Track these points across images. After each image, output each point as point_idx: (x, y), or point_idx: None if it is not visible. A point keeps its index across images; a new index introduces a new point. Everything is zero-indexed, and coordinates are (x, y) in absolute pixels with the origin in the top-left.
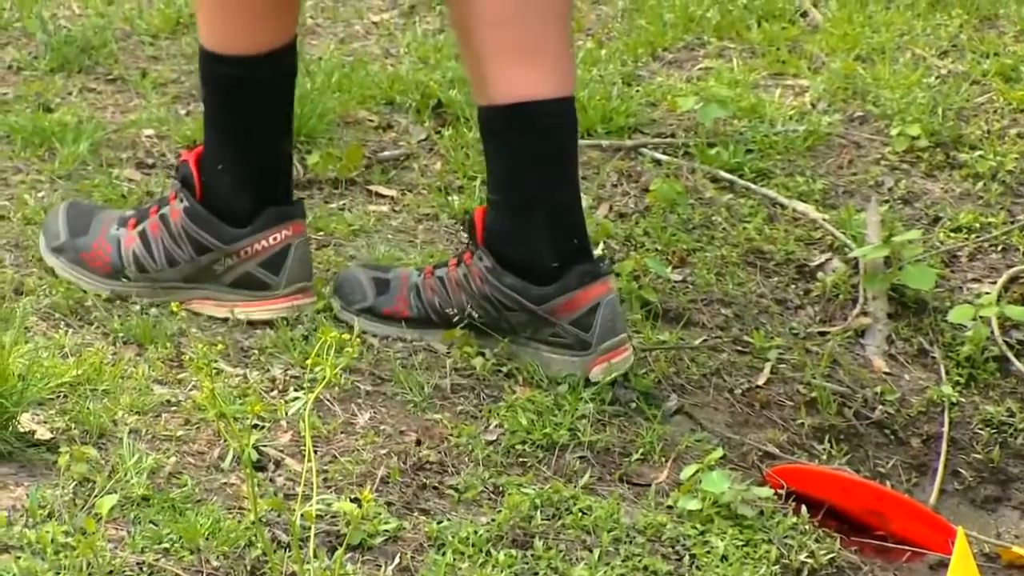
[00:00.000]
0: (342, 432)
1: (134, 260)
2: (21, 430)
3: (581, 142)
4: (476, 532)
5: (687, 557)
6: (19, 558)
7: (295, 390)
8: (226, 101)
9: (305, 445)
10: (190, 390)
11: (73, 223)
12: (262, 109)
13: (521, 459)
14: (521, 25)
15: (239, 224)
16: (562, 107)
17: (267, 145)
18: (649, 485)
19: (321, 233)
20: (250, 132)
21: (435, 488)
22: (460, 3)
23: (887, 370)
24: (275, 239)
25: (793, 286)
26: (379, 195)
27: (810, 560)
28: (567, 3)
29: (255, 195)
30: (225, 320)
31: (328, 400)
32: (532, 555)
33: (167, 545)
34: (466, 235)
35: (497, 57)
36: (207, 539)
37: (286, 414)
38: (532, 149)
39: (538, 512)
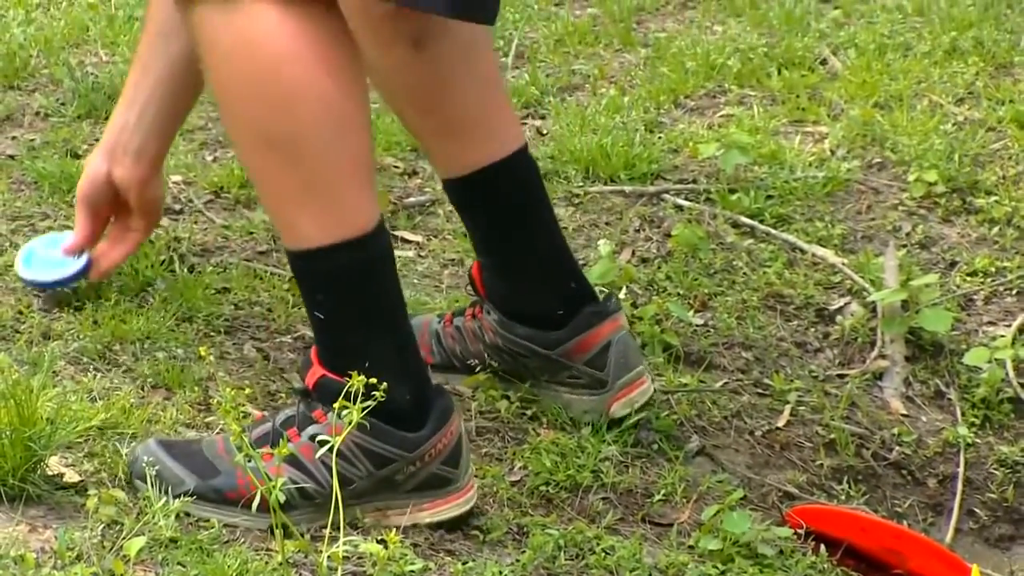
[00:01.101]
0: None
1: (298, 491)
2: (49, 473)
3: (604, 188)
4: (501, 572)
5: None
6: None
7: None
8: (357, 291)
9: (332, 487)
10: (217, 433)
11: (189, 464)
12: (391, 285)
13: (545, 500)
14: (446, 110)
15: (411, 426)
16: (515, 162)
17: (404, 324)
18: (671, 525)
19: None
20: (390, 319)
21: (460, 529)
22: (387, 96)
23: (904, 412)
24: (451, 433)
25: (812, 329)
26: (405, 240)
27: None
28: (489, 67)
29: (416, 388)
30: (252, 364)
31: None
32: None
33: None
34: (471, 289)
35: (437, 139)
36: None
37: (315, 456)
38: (501, 208)
39: (562, 552)
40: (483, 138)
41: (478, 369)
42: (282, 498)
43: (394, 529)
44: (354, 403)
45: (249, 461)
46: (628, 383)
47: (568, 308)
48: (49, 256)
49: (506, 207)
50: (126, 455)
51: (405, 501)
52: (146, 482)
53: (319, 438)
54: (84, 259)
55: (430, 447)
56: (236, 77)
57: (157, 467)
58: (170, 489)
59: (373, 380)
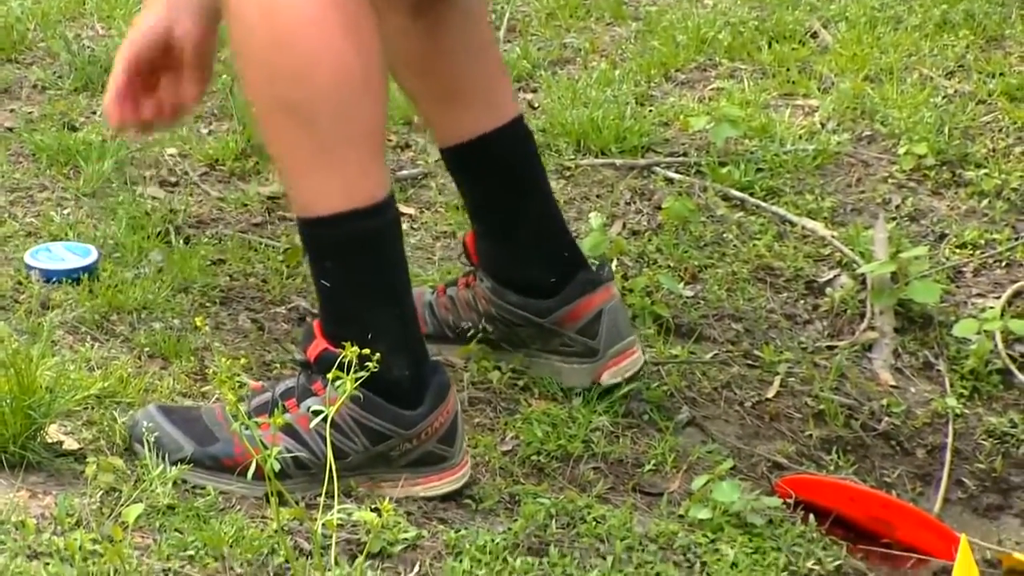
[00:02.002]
0: None
1: (293, 460)
2: (49, 440)
3: (595, 161)
4: (493, 540)
5: (698, 564)
6: (48, 564)
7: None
8: (362, 261)
9: (326, 456)
10: (213, 403)
11: (188, 430)
12: (398, 257)
13: (537, 469)
14: (444, 79)
15: (408, 403)
16: (511, 131)
17: (408, 298)
18: (661, 495)
19: None
20: (393, 290)
21: (453, 498)
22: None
23: (893, 383)
24: (448, 411)
25: (802, 301)
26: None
27: (817, 567)
28: (486, 36)
29: (415, 362)
30: (247, 335)
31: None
32: (548, 562)
33: (192, 552)
34: (465, 259)
35: (435, 106)
36: (231, 547)
37: (310, 428)
38: (498, 177)
39: (553, 521)
40: (480, 106)
41: (471, 334)
42: (277, 467)
43: (387, 498)
44: (348, 374)
45: (246, 430)
46: (619, 352)
47: (560, 276)
48: (59, 254)
49: (501, 175)
50: (126, 421)
51: (399, 475)
52: (144, 447)
53: (313, 408)
54: (93, 256)
55: (427, 425)
56: (258, 43)
57: (156, 433)
58: (168, 455)
59: (367, 351)
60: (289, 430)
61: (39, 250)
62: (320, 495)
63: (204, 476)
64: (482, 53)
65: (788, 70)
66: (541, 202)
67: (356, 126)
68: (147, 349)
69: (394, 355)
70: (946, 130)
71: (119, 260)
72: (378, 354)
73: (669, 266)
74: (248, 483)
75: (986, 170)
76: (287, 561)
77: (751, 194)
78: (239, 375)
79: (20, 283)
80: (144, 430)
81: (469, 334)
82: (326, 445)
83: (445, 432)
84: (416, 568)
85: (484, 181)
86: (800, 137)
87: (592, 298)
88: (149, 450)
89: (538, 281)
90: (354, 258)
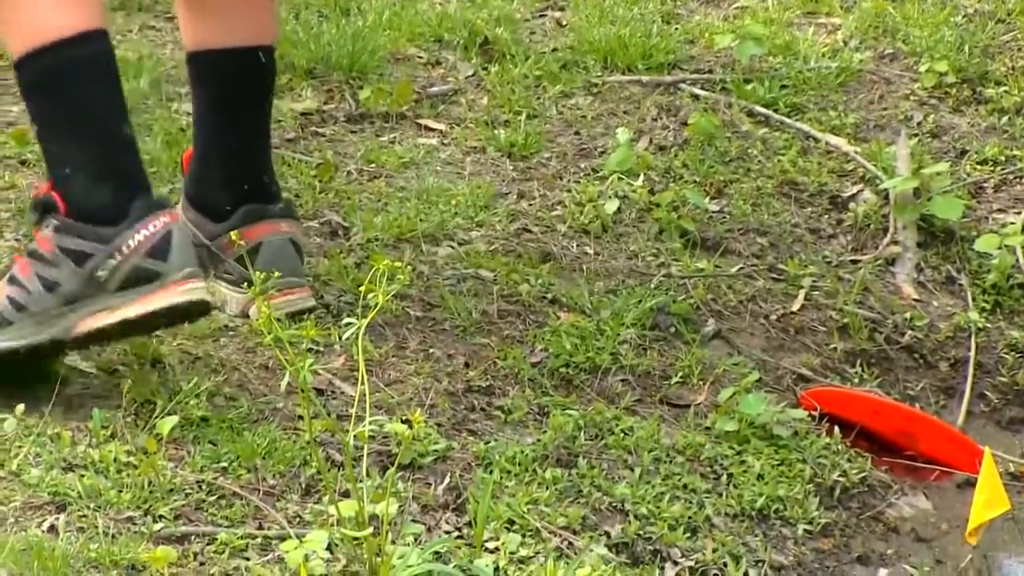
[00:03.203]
0: (393, 356)
1: (9, 303)
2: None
3: (622, 77)
4: (522, 452)
5: (724, 476)
6: (83, 476)
7: (348, 316)
8: (52, 98)
9: (358, 369)
10: (246, 316)
11: None
12: (96, 90)
13: (565, 381)
14: None
15: (113, 224)
16: (242, 55)
17: (115, 128)
18: (688, 407)
19: (373, 165)
20: (87, 121)
21: (483, 410)
22: None
23: (916, 297)
24: (155, 226)
25: (826, 216)
26: (428, 129)
27: (842, 478)
28: None
29: (117, 187)
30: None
31: (380, 326)
32: (576, 474)
33: (225, 464)
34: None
35: (180, 8)
36: (264, 458)
37: (340, 339)
38: (208, 96)
39: (582, 433)
40: (216, 20)
41: None
42: (311, 379)
43: (419, 410)
44: (42, 215)
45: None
46: (278, 288)
47: (234, 204)
48: None
49: (213, 94)
50: None
51: (118, 300)
52: None
53: (28, 249)
54: None
55: (127, 238)
56: None
57: None
58: None
59: (53, 193)
60: (12, 279)
61: None
62: (45, 343)
63: None
64: None
65: None
66: (240, 132)
67: None
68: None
69: (91, 182)
70: (966, 48)
71: (155, 175)
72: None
73: (695, 181)
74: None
75: (1006, 87)
76: (319, 472)
77: (775, 110)
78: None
79: None
80: None
81: None
82: (45, 288)
83: (154, 247)
84: (446, 479)
85: (199, 95)
86: (823, 55)
87: (252, 229)
88: None
89: (215, 205)
90: (44, 96)
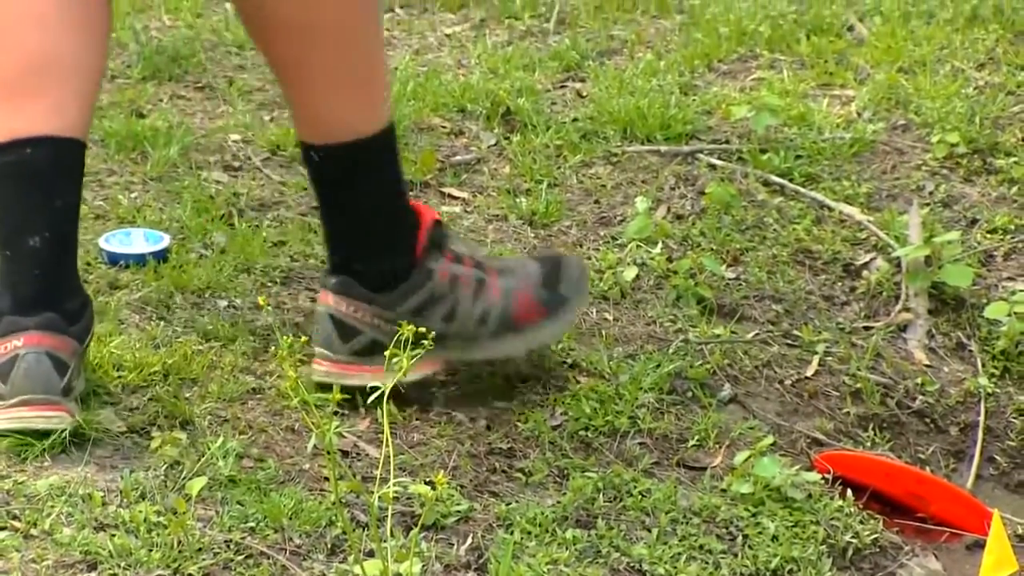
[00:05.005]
0: (417, 419)
1: None
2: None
3: (641, 147)
4: (543, 513)
5: (740, 537)
6: (114, 536)
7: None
8: None
9: (383, 431)
10: (275, 379)
11: None
12: (9, 199)
13: (584, 444)
14: None
15: None
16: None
17: (19, 239)
18: (704, 469)
19: None
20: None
21: (504, 472)
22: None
23: (927, 362)
24: (4, 349)
25: (840, 283)
26: (451, 197)
27: (855, 540)
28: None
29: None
30: (307, 314)
31: (404, 389)
32: (595, 534)
33: (253, 524)
34: None
35: None
36: (290, 519)
37: (365, 402)
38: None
39: (600, 494)
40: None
41: None
42: (337, 441)
43: (442, 471)
44: None
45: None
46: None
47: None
48: (133, 239)
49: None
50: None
51: None
52: None
53: None
54: (165, 242)
55: None
56: None
57: None
58: None
59: None
60: None
61: (114, 235)
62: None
63: None
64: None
65: (826, 61)
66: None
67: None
68: (210, 327)
69: None
70: (977, 120)
71: (184, 242)
72: None
73: (712, 249)
74: None
75: (1015, 158)
76: (344, 532)
77: (790, 180)
78: (300, 352)
79: (89, 264)
80: None
81: None
82: None
83: None
84: (468, 540)
85: None
86: (837, 125)
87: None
88: None
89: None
90: None
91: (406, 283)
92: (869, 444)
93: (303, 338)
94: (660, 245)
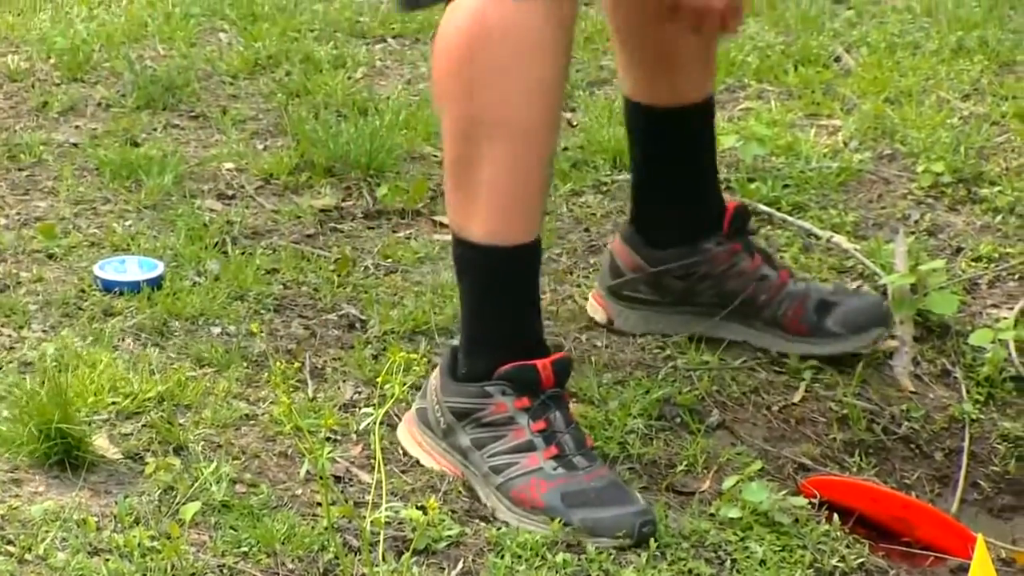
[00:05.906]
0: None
1: None
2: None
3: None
4: (533, 538)
5: (728, 561)
6: (108, 560)
7: (365, 406)
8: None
9: (375, 457)
10: (268, 405)
11: None
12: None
13: None
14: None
15: None
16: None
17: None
18: (693, 494)
19: (389, 260)
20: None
21: None
22: None
23: (913, 389)
24: None
25: None
26: (443, 225)
27: (841, 564)
28: None
29: None
30: (299, 341)
31: (396, 415)
32: (585, 558)
33: (246, 549)
34: None
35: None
36: (283, 543)
37: (357, 428)
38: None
39: None
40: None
41: None
42: (329, 467)
43: (433, 496)
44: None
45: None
46: None
47: None
48: (125, 267)
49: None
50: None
51: None
52: None
53: None
54: (159, 270)
55: None
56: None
57: None
58: None
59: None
60: None
61: (109, 262)
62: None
63: None
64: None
65: (813, 92)
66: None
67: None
68: (204, 354)
69: None
70: (962, 149)
71: (178, 270)
72: None
73: None
74: None
75: (1000, 188)
76: (336, 557)
77: (778, 209)
78: (292, 379)
79: (83, 291)
80: None
81: None
82: None
83: None
84: (459, 564)
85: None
86: (824, 155)
87: None
88: None
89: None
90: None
91: None
92: (855, 469)
93: (296, 364)
94: None
